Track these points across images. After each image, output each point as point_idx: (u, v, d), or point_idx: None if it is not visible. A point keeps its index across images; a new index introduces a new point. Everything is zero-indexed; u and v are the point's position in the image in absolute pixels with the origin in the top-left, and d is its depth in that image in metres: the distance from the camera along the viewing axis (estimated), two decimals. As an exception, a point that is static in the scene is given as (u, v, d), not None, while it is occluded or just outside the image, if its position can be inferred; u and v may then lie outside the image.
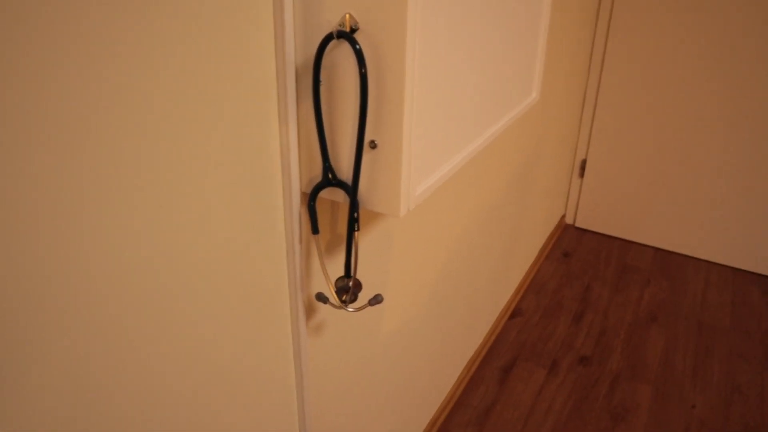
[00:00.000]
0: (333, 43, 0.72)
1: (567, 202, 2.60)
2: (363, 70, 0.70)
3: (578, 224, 2.61)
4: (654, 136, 2.31)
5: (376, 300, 0.86)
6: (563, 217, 2.62)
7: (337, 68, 0.73)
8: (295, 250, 0.83)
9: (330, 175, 0.79)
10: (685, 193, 2.35)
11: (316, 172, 0.80)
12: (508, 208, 1.83)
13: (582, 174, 2.51)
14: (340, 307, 0.84)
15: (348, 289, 0.84)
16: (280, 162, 0.78)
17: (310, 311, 0.92)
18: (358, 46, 0.69)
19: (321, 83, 0.75)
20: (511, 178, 1.78)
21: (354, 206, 0.77)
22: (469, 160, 1.02)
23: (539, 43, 1.16)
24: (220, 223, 0.70)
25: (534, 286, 2.25)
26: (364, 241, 1.01)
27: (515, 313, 2.12)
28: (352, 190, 0.76)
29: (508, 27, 0.97)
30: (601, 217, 2.54)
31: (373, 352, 1.18)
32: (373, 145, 0.75)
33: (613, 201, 2.49)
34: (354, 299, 0.86)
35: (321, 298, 0.87)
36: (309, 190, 0.81)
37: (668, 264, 2.41)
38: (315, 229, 0.81)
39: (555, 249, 2.48)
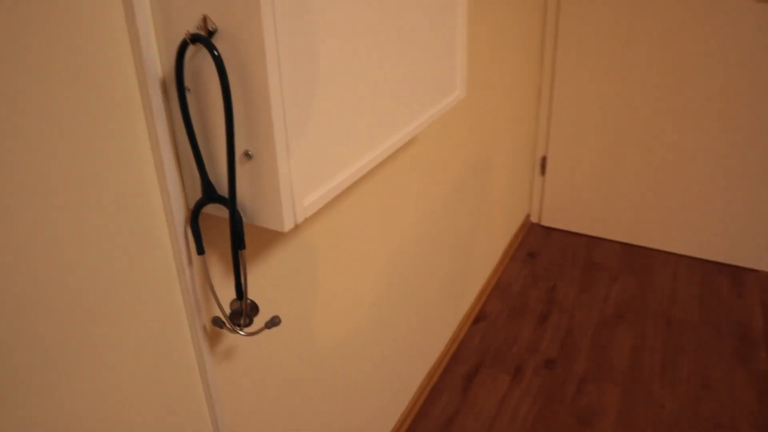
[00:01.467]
0: (193, 48, 0.66)
1: (531, 200, 2.55)
2: (222, 76, 0.64)
3: (544, 223, 2.56)
4: (613, 129, 2.27)
5: (273, 322, 0.81)
6: (528, 216, 2.57)
7: (201, 75, 0.67)
8: (185, 273, 0.77)
9: (210, 191, 0.73)
10: (650, 185, 2.30)
11: (198, 188, 0.74)
12: (460, 210, 1.77)
13: (543, 171, 2.46)
14: (234, 332, 0.78)
15: (241, 312, 0.78)
16: (156, 179, 0.72)
17: (216, 336, 0.86)
18: (216, 52, 0.64)
19: (189, 91, 0.69)
20: (462, 179, 1.73)
21: (233, 222, 0.72)
22: (377, 164, 0.97)
23: (457, 37, 1.11)
24: (98, 250, 0.64)
25: (498, 289, 2.20)
26: (279, 255, 0.95)
27: (479, 317, 2.06)
28: (230, 204, 0.71)
29: (410, 25, 0.92)
30: (566, 214, 2.49)
31: (306, 371, 1.12)
32: (248, 155, 0.69)
33: (577, 197, 2.44)
34: (249, 323, 0.80)
35: (218, 322, 0.81)
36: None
37: (636, 259, 2.36)
38: (200, 249, 0.76)
39: (520, 249, 2.43)
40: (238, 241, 0.73)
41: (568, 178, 2.42)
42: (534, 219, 2.58)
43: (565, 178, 2.43)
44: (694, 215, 2.28)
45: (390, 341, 1.47)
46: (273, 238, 0.93)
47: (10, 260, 0.57)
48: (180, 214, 0.75)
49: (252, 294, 0.89)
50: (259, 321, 0.88)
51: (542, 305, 2.11)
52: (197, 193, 0.75)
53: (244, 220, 0.74)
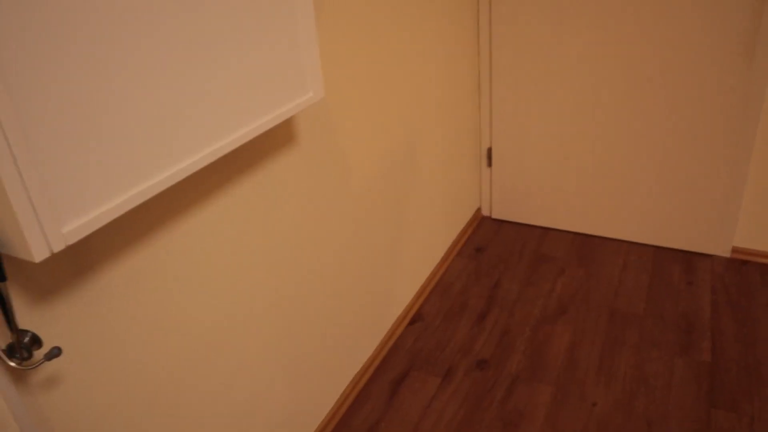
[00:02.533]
0: None
1: (480, 193, 2.48)
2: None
3: (495, 215, 2.49)
4: (557, 117, 2.19)
5: (52, 354, 0.77)
6: (479, 209, 2.50)
7: None
8: (-42, 307, 0.73)
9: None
10: (599, 172, 2.22)
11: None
12: (383, 207, 1.72)
13: (489, 163, 2.39)
14: (18, 366, 0.74)
15: (15, 346, 0.74)
16: None
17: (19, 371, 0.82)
18: None
19: None
20: (380, 177, 1.67)
21: (-21, 255, 0.68)
22: (180, 179, 0.92)
23: (302, 37, 1.05)
24: None
25: (440, 287, 2.14)
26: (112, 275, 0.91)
27: (415, 318, 2.01)
28: (-28, 237, 0.67)
29: (212, 29, 0.87)
30: (516, 206, 2.42)
31: (175, 383, 1.08)
32: (-18, 184, 0.65)
33: (525, 188, 2.37)
34: (28, 356, 0.76)
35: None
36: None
37: (587, 249, 2.28)
38: (-42, 283, 0.72)
39: (468, 244, 2.37)
40: (-7, 274, 0.69)
41: (516, 168, 2.35)
42: (485, 212, 2.52)
43: (512, 169, 2.35)
44: (644, 201, 2.20)
45: (300, 350, 1.43)
46: (95, 261, 0.89)
47: None
48: (-61, 247, 0.71)
49: (51, 328, 0.85)
50: (40, 354, 0.84)
51: (483, 303, 2.05)
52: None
53: (1, 250, 0.69)
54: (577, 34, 2.03)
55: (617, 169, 2.18)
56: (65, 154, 0.69)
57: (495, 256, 2.28)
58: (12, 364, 0.73)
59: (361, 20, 1.47)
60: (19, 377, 0.82)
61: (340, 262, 1.57)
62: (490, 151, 2.37)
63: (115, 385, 0.97)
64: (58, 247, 0.69)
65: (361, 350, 1.75)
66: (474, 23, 2.14)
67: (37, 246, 0.67)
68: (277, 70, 1.00)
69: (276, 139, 1.25)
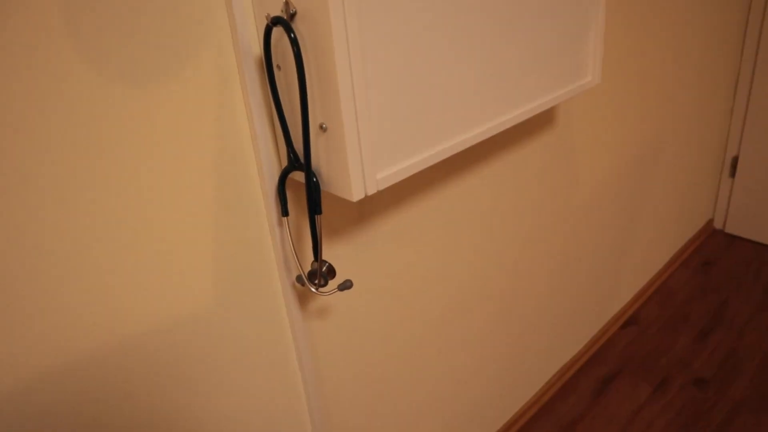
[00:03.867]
0: (278, 30, 0.74)
1: (716, 204, 2.29)
2: (297, 55, 0.71)
3: (728, 230, 2.28)
4: (826, 128, 1.94)
5: (345, 285, 0.87)
6: (711, 221, 2.31)
7: (288, 54, 0.75)
8: (276, 232, 0.86)
9: (295, 159, 0.81)
10: None
11: (285, 157, 0.83)
12: (613, 206, 1.67)
13: (733, 173, 2.20)
14: (315, 291, 0.86)
15: (316, 272, 0.85)
16: (252, 148, 0.82)
17: (309, 295, 0.94)
18: (292, 34, 0.70)
19: (279, 69, 0.77)
20: (617, 173, 1.63)
21: (309, 188, 0.79)
22: (470, 146, 0.97)
23: (591, 20, 1.05)
24: (202, 209, 0.75)
25: (659, 295, 2.03)
26: (382, 227, 1.01)
27: (629, 321, 1.93)
28: (306, 173, 0.78)
29: (521, 5, 0.90)
30: (756, 222, 2.20)
31: (407, 343, 1.17)
32: (322, 128, 0.75)
33: (772, 205, 2.14)
34: (324, 284, 0.87)
35: (300, 280, 0.89)
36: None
37: (841, 282, 2.02)
38: (284, 212, 0.84)
39: (694, 255, 2.21)
40: (314, 206, 0.80)
41: (763, 182, 2.13)
42: (718, 225, 2.32)
43: (759, 181, 2.14)
44: None
45: (514, 332, 1.46)
46: (373, 212, 0.99)
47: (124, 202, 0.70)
48: (271, 180, 0.84)
49: (340, 262, 0.96)
50: (334, 284, 0.95)
51: (707, 319, 1.91)
52: (285, 162, 0.83)
53: (322, 187, 0.80)
54: None
55: None
56: (394, 108, 0.77)
57: (725, 273, 2.10)
58: (312, 288, 0.85)
59: (627, 8, 1.43)
60: (302, 303, 0.94)
61: (568, 250, 1.56)
62: (735, 159, 2.17)
63: (368, 325, 1.08)
64: (372, 190, 0.78)
65: (572, 342, 1.73)
66: (742, 18, 1.97)
67: (357, 188, 0.77)
68: (567, 49, 1.02)
69: (541, 118, 1.27)
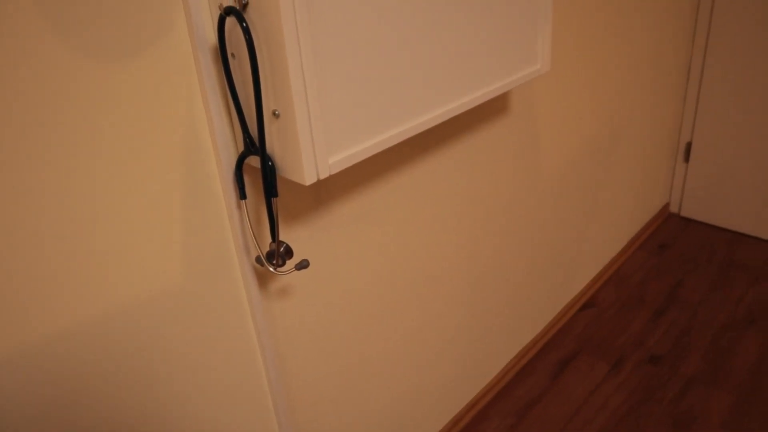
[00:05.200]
0: (233, 18, 0.76)
1: (671, 189, 2.37)
2: (249, 44, 0.73)
3: (684, 214, 2.37)
4: (773, 115, 2.03)
5: (302, 265, 0.90)
6: (667, 205, 2.39)
7: (241, 43, 0.77)
8: (234, 215, 0.89)
9: (251, 144, 0.83)
10: (813, 181, 2.03)
11: (241, 142, 0.86)
12: (570, 191, 1.73)
13: (687, 158, 2.28)
14: (273, 270, 0.89)
15: (274, 253, 0.88)
16: (209, 133, 0.85)
17: (268, 276, 0.97)
18: (244, 23, 0.73)
19: (233, 57, 0.80)
20: (574, 158, 1.68)
21: (264, 172, 0.82)
22: (421, 131, 1.01)
23: (540, 5, 1.10)
24: (162, 193, 0.78)
25: (616, 277, 2.10)
26: (343, 212, 1.04)
27: (588, 304, 1.99)
28: (261, 157, 0.81)
29: (467, -5, 0.94)
30: (710, 206, 2.28)
31: (366, 325, 1.20)
32: (275, 114, 0.78)
33: (724, 188, 2.22)
34: (282, 263, 0.90)
35: (259, 261, 0.92)
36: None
37: (788, 262, 2.11)
38: (242, 195, 0.87)
39: (651, 239, 2.28)
40: (270, 189, 0.83)
41: (716, 166, 2.21)
42: (674, 209, 2.40)
43: (712, 166, 2.22)
44: None
45: (473, 316, 1.51)
46: (330, 196, 1.02)
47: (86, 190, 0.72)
48: (229, 165, 0.86)
49: (299, 243, 0.99)
50: (292, 263, 0.98)
51: (662, 299, 1.98)
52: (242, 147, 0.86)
53: (277, 171, 0.83)
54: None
55: (839, 179, 1.98)
56: (346, 95, 0.81)
57: (680, 255, 2.19)
58: (270, 268, 0.88)
59: (581, -1, 1.48)
60: (262, 283, 0.97)
61: (526, 233, 1.61)
62: (689, 145, 2.25)
63: (328, 306, 1.11)
64: (324, 174, 0.82)
65: (531, 326, 1.79)
66: (693, 6, 2.04)
67: (309, 172, 0.80)
68: (517, 37, 1.06)
69: (493, 106, 1.32)
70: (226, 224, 0.89)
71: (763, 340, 1.79)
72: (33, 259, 0.71)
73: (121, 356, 0.82)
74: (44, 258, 0.72)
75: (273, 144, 0.81)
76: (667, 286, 2.05)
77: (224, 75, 0.81)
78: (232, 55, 0.80)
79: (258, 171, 0.91)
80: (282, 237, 0.97)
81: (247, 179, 0.89)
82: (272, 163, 0.82)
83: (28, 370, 0.74)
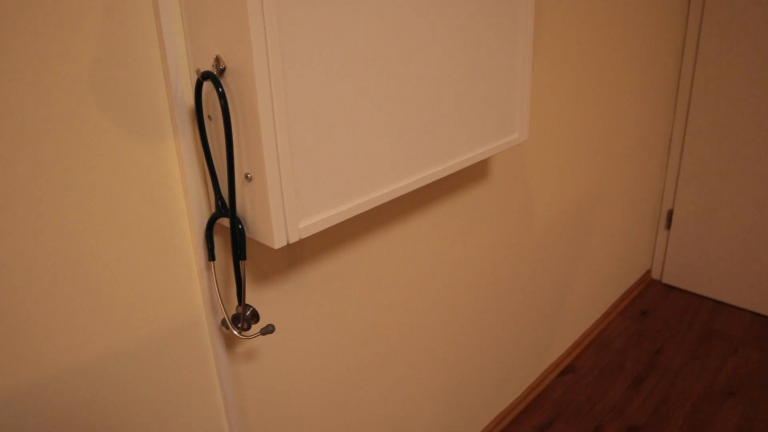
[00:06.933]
0: (209, 83, 0.77)
1: (653, 255, 2.38)
2: (224, 108, 0.74)
3: (665, 280, 2.38)
4: (756, 183, 2.06)
5: (267, 330, 0.89)
6: (649, 271, 2.40)
7: (217, 106, 0.78)
8: (204, 276, 0.88)
9: (222, 206, 0.83)
10: (791, 252, 2.05)
11: (213, 203, 0.86)
12: (550, 256, 1.73)
13: (669, 225, 2.30)
14: (237, 334, 0.88)
15: (239, 316, 0.87)
16: (182, 193, 0.85)
17: (236, 339, 0.96)
18: (221, 89, 0.74)
19: (210, 120, 0.80)
20: (553, 224, 1.69)
21: (233, 234, 0.81)
22: (396, 197, 1.01)
23: (518, 79, 1.12)
24: (132, 252, 0.77)
25: (596, 343, 2.09)
26: (308, 274, 1.04)
27: (567, 369, 1.97)
28: (231, 219, 0.80)
29: (452, 60, 0.96)
30: (691, 274, 2.29)
31: (335, 387, 1.18)
32: (248, 177, 0.78)
33: (705, 257, 2.24)
34: (247, 327, 0.89)
35: (224, 324, 0.91)
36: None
37: (767, 333, 2.10)
38: (211, 256, 0.86)
39: (632, 305, 2.28)
40: (238, 252, 0.82)
41: (697, 234, 2.23)
42: (655, 275, 2.41)
43: (693, 234, 2.24)
44: (844, 292, 1.99)
45: (449, 380, 1.48)
46: (304, 257, 1.01)
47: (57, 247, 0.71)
48: (200, 225, 0.86)
49: (268, 306, 0.98)
50: (258, 328, 0.97)
51: (641, 367, 1.97)
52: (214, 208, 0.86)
53: (247, 234, 0.83)
54: (788, 104, 1.91)
55: (816, 252, 2.00)
56: (319, 160, 0.81)
57: (660, 322, 2.18)
58: (235, 332, 0.87)
59: (559, 63, 1.52)
60: (229, 346, 0.96)
61: (506, 297, 1.60)
62: (671, 212, 2.28)
63: (296, 368, 1.09)
64: (294, 238, 0.81)
65: (509, 391, 1.76)
66: (675, 76, 2.10)
67: (279, 236, 0.80)
68: (495, 105, 1.08)
69: (473, 172, 1.33)
70: (196, 284, 0.88)
71: (742, 411, 1.77)
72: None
73: (84, 410, 0.80)
74: (11, 310, 0.70)
75: (244, 206, 0.81)
76: (647, 353, 2.03)
77: (200, 136, 0.81)
78: (209, 117, 0.80)
79: (228, 232, 0.90)
80: (252, 297, 0.96)
81: (218, 240, 0.89)
82: (242, 226, 0.82)
83: (-25, 432, 0.71)
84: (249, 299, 0.95)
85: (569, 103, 1.59)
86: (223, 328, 0.92)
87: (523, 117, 1.17)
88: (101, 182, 0.75)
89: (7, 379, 0.72)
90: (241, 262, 0.83)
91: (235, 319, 0.89)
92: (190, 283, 0.88)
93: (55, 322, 0.75)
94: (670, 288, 2.37)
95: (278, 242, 0.80)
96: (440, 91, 0.97)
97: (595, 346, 2.07)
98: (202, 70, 0.77)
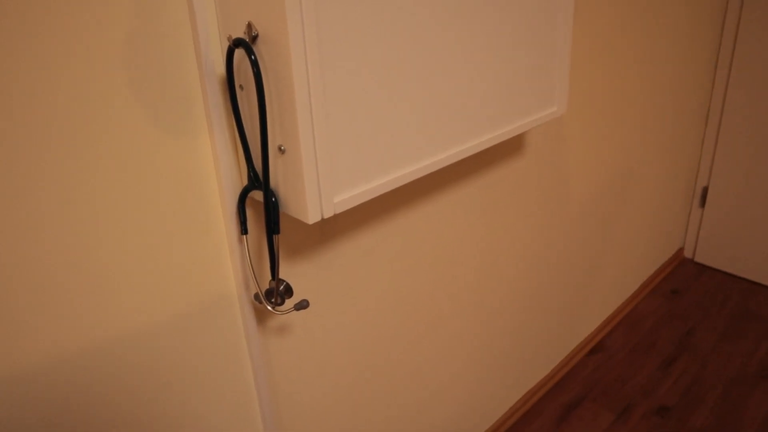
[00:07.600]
0: (241, 51, 0.74)
1: (686, 233, 2.32)
2: (257, 76, 0.71)
3: (698, 259, 2.32)
4: (792, 164, 1.99)
5: (301, 305, 0.87)
6: (681, 250, 2.35)
7: (249, 75, 0.76)
8: (236, 250, 0.86)
9: (255, 178, 0.81)
10: (832, 232, 1.98)
11: (246, 176, 0.83)
12: (583, 233, 1.69)
13: (703, 203, 2.23)
14: (270, 309, 0.86)
15: (273, 291, 0.85)
16: (213, 166, 0.82)
17: (267, 313, 0.94)
18: (253, 56, 0.71)
19: (242, 89, 0.78)
20: (586, 201, 1.65)
21: (267, 208, 0.79)
22: (432, 171, 0.98)
23: (558, 51, 1.07)
24: (163, 227, 0.75)
25: (627, 322, 2.05)
26: (344, 250, 1.02)
27: (597, 348, 1.94)
28: (264, 193, 0.78)
29: (488, 33, 0.92)
30: (725, 253, 2.23)
31: (367, 365, 1.17)
32: (281, 150, 0.76)
33: (740, 236, 2.18)
34: (281, 302, 0.87)
35: (257, 298, 0.89)
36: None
37: (804, 314, 2.05)
38: (243, 230, 0.84)
39: (664, 284, 2.23)
40: (272, 226, 0.80)
41: (732, 213, 2.17)
42: (688, 254, 2.35)
43: (728, 212, 2.18)
44: None
45: (480, 356, 1.46)
46: (336, 231, 0.99)
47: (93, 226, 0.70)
48: (232, 198, 0.84)
49: (300, 280, 0.96)
50: (291, 303, 0.95)
51: (672, 347, 1.93)
52: (246, 181, 0.83)
53: (280, 208, 0.81)
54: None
55: None
56: (354, 133, 0.78)
57: (692, 302, 2.13)
58: (269, 307, 0.85)
59: (597, 34, 1.46)
60: (260, 321, 0.94)
61: (537, 274, 1.57)
62: (705, 190, 2.21)
63: (328, 344, 1.08)
64: (328, 214, 0.79)
65: (538, 368, 1.74)
66: (714, 51, 2.02)
67: (314, 210, 0.77)
68: (533, 78, 1.04)
69: (508, 146, 1.29)
70: (227, 258, 0.87)
71: (776, 395, 1.73)
72: (33, 284, 0.68)
73: (116, 385, 0.79)
74: (43, 283, 0.69)
75: (277, 180, 0.79)
76: (679, 333, 1.99)
77: (231, 107, 0.79)
78: (241, 86, 0.78)
79: (261, 206, 0.88)
80: (283, 273, 0.94)
81: (249, 214, 0.87)
82: (275, 200, 0.80)
83: (23, 394, 0.71)
84: (281, 274, 0.94)
85: (606, 75, 1.54)
86: (256, 303, 0.91)
87: (563, 89, 1.12)
88: (131, 155, 0.73)
89: (56, 345, 0.71)
90: (274, 236, 0.81)
91: (268, 294, 0.87)
92: (222, 257, 0.86)
93: (86, 296, 0.74)
94: (703, 267, 2.32)
95: (312, 217, 0.78)
96: (477, 62, 0.93)
97: (626, 325, 2.04)
98: (234, 37, 0.74)
